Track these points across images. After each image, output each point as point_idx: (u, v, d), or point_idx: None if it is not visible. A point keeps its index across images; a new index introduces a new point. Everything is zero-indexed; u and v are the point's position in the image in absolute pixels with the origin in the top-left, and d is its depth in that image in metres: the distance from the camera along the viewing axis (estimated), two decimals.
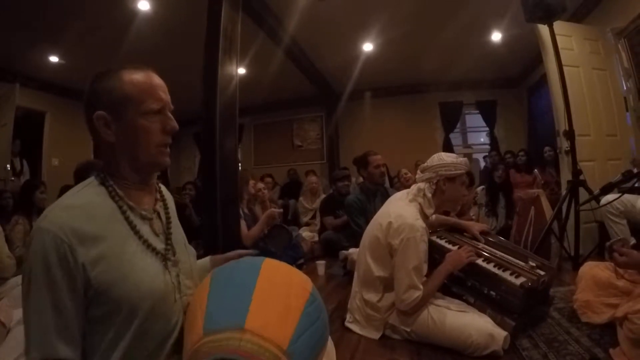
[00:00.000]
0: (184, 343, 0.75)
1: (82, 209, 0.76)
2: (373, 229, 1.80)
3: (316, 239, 4.17)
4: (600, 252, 2.65)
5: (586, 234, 2.87)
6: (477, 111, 6.95)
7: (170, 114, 0.85)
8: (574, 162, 2.74)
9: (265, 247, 3.03)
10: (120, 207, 0.80)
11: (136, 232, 0.81)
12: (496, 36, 4.96)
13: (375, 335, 1.73)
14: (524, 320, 1.63)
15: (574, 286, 1.93)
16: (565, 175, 3.12)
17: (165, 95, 0.85)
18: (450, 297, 1.76)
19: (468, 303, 1.71)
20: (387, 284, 1.73)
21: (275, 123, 7.95)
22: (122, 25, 4.19)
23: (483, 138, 7.53)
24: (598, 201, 2.36)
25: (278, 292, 0.76)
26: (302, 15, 4.22)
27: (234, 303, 0.72)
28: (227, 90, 2.81)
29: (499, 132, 6.80)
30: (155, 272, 0.81)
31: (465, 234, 2.05)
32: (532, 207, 3.06)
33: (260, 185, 3.81)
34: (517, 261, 1.75)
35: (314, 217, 5.11)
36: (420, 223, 1.66)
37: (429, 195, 1.75)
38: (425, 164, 1.80)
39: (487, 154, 6.08)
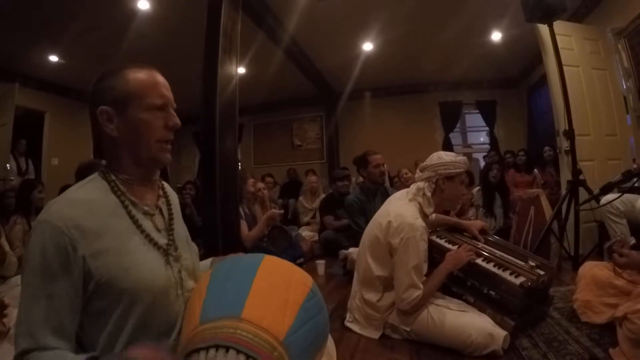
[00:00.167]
0: (182, 333, 0.76)
1: (84, 203, 0.77)
2: (373, 228, 1.80)
3: (316, 238, 4.17)
4: (600, 252, 2.65)
5: (586, 233, 2.88)
6: (477, 111, 6.96)
7: (172, 111, 0.87)
8: (574, 162, 2.74)
9: (266, 247, 3.04)
10: (122, 202, 0.81)
11: (138, 227, 0.82)
12: (496, 36, 4.96)
13: (375, 334, 1.73)
14: (523, 319, 1.63)
15: (574, 286, 1.93)
16: (565, 175, 3.12)
17: (168, 93, 0.86)
18: (450, 296, 1.76)
19: (468, 303, 1.71)
20: (387, 284, 1.73)
21: (275, 123, 7.96)
22: (122, 25, 4.19)
23: (483, 138, 7.54)
24: (598, 201, 2.36)
25: (277, 286, 0.76)
26: (301, 15, 4.22)
27: (232, 294, 0.72)
28: (227, 89, 2.81)
29: (499, 131, 6.81)
30: (157, 267, 0.81)
31: (465, 233, 2.05)
32: (532, 207, 3.06)
33: (260, 185, 3.82)
34: (517, 261, 1.75)
35: (313, 216, 5.11)
36: (420, 222, 1.66)
37: (429, 194, 1.74)
38: (425, 163, 1.80)
39: (486, 153, 6.09)
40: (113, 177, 0.83)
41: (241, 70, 5.30)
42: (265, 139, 8.05)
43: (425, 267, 1.66)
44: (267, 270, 0.78)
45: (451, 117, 6.96)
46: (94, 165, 2.16)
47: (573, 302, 1.80)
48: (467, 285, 1.76)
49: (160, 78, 0.86)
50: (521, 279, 1.59)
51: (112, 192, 0.81)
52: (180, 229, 0.94)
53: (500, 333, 1.50)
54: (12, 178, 4.88)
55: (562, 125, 2.99)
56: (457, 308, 1.63)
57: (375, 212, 1.95)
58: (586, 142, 3.20)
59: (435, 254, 1.82)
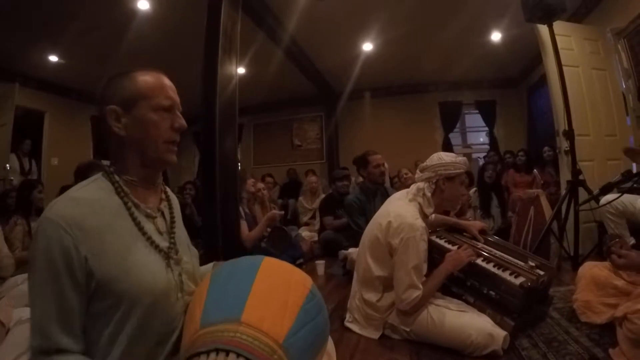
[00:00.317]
0: (182, 337, 0.76)
1: (87, 202, 0.77)
2: (373, 228, 1.80)
3: (316, 238, 4.17)
4: (600, 252, 2.65)
5: (585, 233, 2.88)
6: (477, 111, 6.96)
7: (179, 113, 0.88)
8: (574, 162, 2.74)
9: (267, 248, 3.03)
10: (125, 204, 0.82)
11: (140, 229, 0.82)
12: (496, 36, 4.96)
13: (375, 334, 1.73)
14: (523, 320, 1.63)
15: (574, 286, 1.93)
16: (565, 175, 3.12)
17: (175, 95, 0.88)
18: (449, 296, 1.76)
19: (467, 303, 1.71)
20: (387, 284, 1.73)
21: (275, 123, 7.95)
22: (122, 25, 4.19)
23: (482, 138, 7.54)
24: (597, 201, 2.36)
25: (276, 288, 0.76)
26: (301, 15, 4.22)
27: (232, 297, 0.73)
28: (227, 89, 2.81)
29: (499, 132, 6.81)
30: (157, 269, 0.82)
31: (464, 233, 2.05)
32: (532, 207, 3.06)
33: (260, 185, 3.82)
34: (517, 261, 1.75)
35: (313, 216, 5.11)
36: (419, 222, 1.66)
37: (429, 194, 1.75)
38: (425, 164, 1.80)
39: (486, 153, 6.09)
40: (117, 178, 0.83)
41: (241, 70, 5.30)
42: (265, 139, 8.05)
43: (425, 267, 1.66)
44: (266, 273, 0.79)
45: (451, 117, 6.97)
46: (93, 165, 2.16)
47: (573, 302, 1.80)
48: (467, 285, 1.76)
49: (167, 81, 0.88)
50: (521, 279, 1.59)
51: (115, 193, 0.82)
52: (182, 232, 0.94)
53: (500, 333, 1.50)
54: (12, 178, 4.88)
55: (561, 125, 2.99)
56: (457, 308, 1.63)
57: (375, 212, 1.95)
58: (586, 142, 3.20)
59: (435, 254, 1.82)
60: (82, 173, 2.03)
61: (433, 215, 1.95)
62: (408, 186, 1.93)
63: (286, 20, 4.36)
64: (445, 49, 5.29)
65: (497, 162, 5.57)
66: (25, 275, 1.99)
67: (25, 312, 1.41)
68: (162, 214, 0.90)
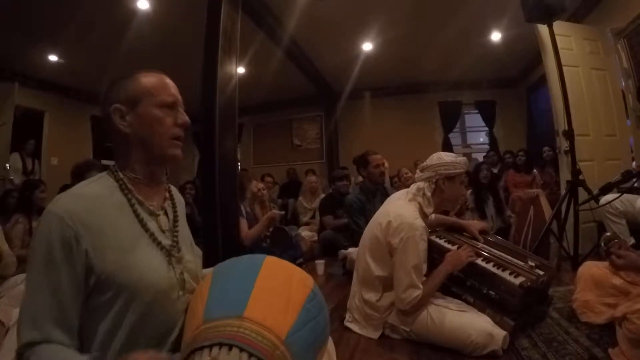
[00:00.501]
0: (184, 332, 0.76)
1: (91, 198, 0.78)
2: (372, 228, 1.80)
3: (315, 238, 4.17)
4: (599, 252, 2.65)
5: (585, 233, 2.88)
6: (477, 111, 6.96)
7: (182, 110, 0.90)
8: (573, 162, 2.75)
9: (267, 248, 3.04)
10: (129, 201, 0.83)
11: (143, 226, 0.83)
12: (496, 36, 4.96)
13: (375, 334, 1.73)
14: (523, 319, 1.63)
15: (573, 286, 1.93)
16: (565, 175, 3.12)
17: (177, 94, 0.90)
18: (449, 296, 1.76)
19: (467, 303, 1.71)
20: (387, 284, 1.73)
21: (275, 122, 7.95)
22: (122, 25, 4.18)
23: (482, 138, 7.54)
24: (597, 201, 2.36)
25: (279, 287, 0.76)
26: (301, 15, 4.21)
27: (234, 294, 0.73)
28: (227, 89, 2.81)
29: (498, 132, 6.81)
30: (159, 266, 0.82)
31: (464, 233, 2.05)
32: (532, 207, 3.07)
33: (260, 185, 3.82)
34: (517, 261, 1.75)
35: (313, 216, 5.11)
36: (419, 222, 1.66)
37: (429, 194, 1.75)
38: (425, 164, 1.81)
39: (485, 153, 6.09)
40: (122, 176, 0.85)
41: (241, 70, 5.30)
42: (264, 138, 8.04)
43: (424, 267, 1.66)
44: (268, 271, 0.79)
45: (451, 117, 6.97)
46: (90, 164, 2.16)
47: (572, 302, 1.81)
48: (467, 285, 1.76)
49: (169, 80, 0.90)
50: (521, 279, 1.59)
51: (119, 190, 0.83)
52: (185, 231, 0.95)
53: (500, 333, 1.50)
54: (12, 177, 4.88)
55: (561, 125, 2.99)
56: (457, 308, 1.63)
57: (374, 212, 1.95)
58: (585, 142, 3.20)
59: (434, 254, 1.82)
60: (79, 173, 2.02)
61: (433, 215, 1.95)
62: (408, 186, 1.93)
63: (286, 20, 4.36)
64: (445, 49, 5.29)
65: (497, 162, 5.57)
66: (24, 276, 1.99)
67: None
68: (166, 212, 0.91)
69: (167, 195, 0.94)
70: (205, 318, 0.69)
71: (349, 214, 3.29)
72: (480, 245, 1.92)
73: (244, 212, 3.03)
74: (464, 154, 4.78)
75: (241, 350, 0.63)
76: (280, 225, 3.40)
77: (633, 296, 1.49)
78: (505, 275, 1.64)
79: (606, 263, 1.70)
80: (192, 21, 3.52)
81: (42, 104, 5.94)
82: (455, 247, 1.84)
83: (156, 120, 0.84)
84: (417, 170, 1.86)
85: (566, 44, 3.28)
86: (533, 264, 1.73)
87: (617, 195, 2.19)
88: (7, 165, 4.85)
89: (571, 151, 2.79)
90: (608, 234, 1.75)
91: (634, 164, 3.36)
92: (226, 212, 2.69)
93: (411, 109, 7.12)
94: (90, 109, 6.46)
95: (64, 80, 5.86)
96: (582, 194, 2.65)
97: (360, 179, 3.58)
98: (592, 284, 1.74)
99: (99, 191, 0.81)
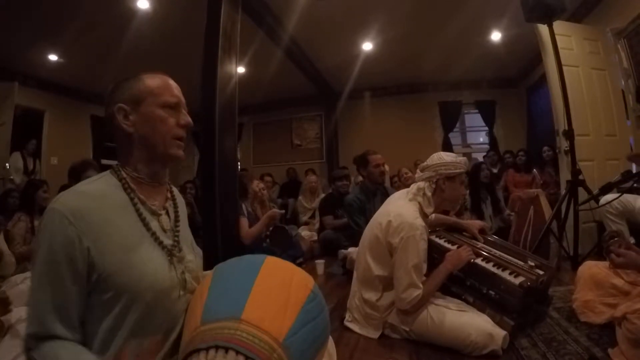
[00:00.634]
0: (183, 333, 0.76)
1: (93, 196, 0.79)
2: (372, 228, 1.80)
3: (315, 238, 4.17)
4: (599, 251, 2.65)
5: (585, 233, 2.88)
6: (477, 111, 6.95)
7: (185, 111, 0.91)
8: (573, 162, 2.75)
9: (268, 247, 3.04)
10: (131, 200, 0.84)
11: (145, 225, 0.83)
12: (496, 36, 4.96)
13: (375, 334, 1.73)
14: (523, 319, 1.63)
15: (573, 286, 1.94)
16: (565, 175, 3.12)
17: (180, 94, 0.91)
18: (449, 296, 1.76)
19: (467, 302, 1.71)
20: (387, 283, 1.73)
21: (275, 122, 7.94)
22: (122, 24, 4.18)
23: (482, 138, 7.54)
24: (597, 201, 2.36)
25: (278, 288, 0.76)
26: (301, 15, 4.21)
27: (233, 295, 0.73)
28: (227, 89, 2.81)
29: (498, 131, 6.81)
30: (160, 266, 0.82)
31: (464, 233, 2.06)
32: (531, 207, 3.06)
33: (262, 184, 3.82)
34: (516, 261, 1.75)
35: (313, 216, 5.11)
36: (419, 222, 1.66)
37: (429, 194, 1.75)
38: (425, 163, 1.81)
39: (485, 153, 6.10)
40: (124, 175, 0.85)
41: (241, 69, 5.30)
42: (264, 138, 8.03)
43: (424, 266, 1.66)
44: (268, 272, 0.79)
45: (451, 117, 6.96)
46: (87, 164, 2.16)
47: (572, 302, 1.81)
48: (467, 285, 1.76)
49: (172, 82, 0.92)
50: (520, 279, 1.60)
51: (122, 189, 0.84)
52: (186, 231, 0.96)
53: (500, 333, 1.50)
54: (12, 177, 4.88)
55: (561, 125, 2.99)
56: (457, 308, 1.63)
57: (374, 211, 1.95)
58: (585, 142, 3.20)
59: (434, 254, 1.82)
60: (76, 172, 2.02)
61: (433, 215, 1.95)
62: (408, 186, 1.93)
63: (286, 20, 4.36)
64: (445, 49, 5.28)
65: (497, 161, 5.57)
66: (24, 275, 1.99)
67: (24, 312, 1.41)
68: (167, 212, 0.91)
69: (169, 195, 0.95)
70: (203, 319, 0.70)
71: (349, 213, 3.29)
72: (480, 245, 1.92)
73: (245, 212, 3.04)
74: (464, 154, 4.77)
75: (237, 353, 0.63)
76: (281, 224, 3.40)
77: (633, 296, 1.49)
78: (505, 275, 1.64)
79: (606, 263, 1.70)
80: (192, 21, 3.52)
81: (42, 104, 5.93)
82: (455, 247, 1.84)
83: (159, 120, 0.85)
84: (418, 170, 1.86)
85: (566, 44, 3.27)
86: (533, 264, 1.73)
87: (617, 195, 2.19)
88: (7, 164, 4.85)
89: (571, 151, 2.79)
90: (613, 229, 1.74)
91: (634, 165, 3.36)
92: (226, 211, 2.69)
93: (411, 109, 7.11)
94: (90, 108, 6.46)
95: (64, 79, 5.86)
96: (582, 194, 2.65)
97: (360, 178, 3.59)
98: (592, 284, 1.74)
99: (101, 189, 0.81)
